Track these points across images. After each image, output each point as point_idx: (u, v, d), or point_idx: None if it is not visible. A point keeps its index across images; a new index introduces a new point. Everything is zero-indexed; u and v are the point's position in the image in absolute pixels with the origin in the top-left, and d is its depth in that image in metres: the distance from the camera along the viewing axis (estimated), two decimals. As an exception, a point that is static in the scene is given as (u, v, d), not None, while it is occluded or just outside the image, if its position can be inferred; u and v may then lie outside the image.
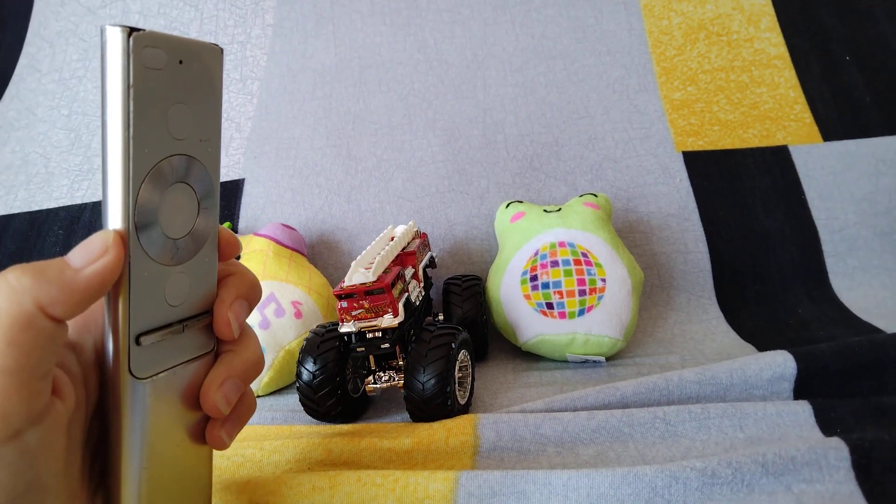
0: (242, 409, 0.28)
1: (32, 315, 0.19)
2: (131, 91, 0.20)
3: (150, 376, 0.24)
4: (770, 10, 0.77)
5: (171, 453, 0.25)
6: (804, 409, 0.38)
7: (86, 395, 0.23)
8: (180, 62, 0.22)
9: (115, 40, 0.20)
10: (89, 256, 0.21)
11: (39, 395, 0.20)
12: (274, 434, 0.43)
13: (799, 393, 0.41)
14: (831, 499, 0.30)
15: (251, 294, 0.28)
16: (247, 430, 0.44)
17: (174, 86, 0.22)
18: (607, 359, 0.53)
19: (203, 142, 0.24)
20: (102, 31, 0.20)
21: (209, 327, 0.26)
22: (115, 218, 0.22)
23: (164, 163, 0.22)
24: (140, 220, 0.22)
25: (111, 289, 0.22)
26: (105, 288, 0.21)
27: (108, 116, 0.21)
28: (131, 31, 0.20)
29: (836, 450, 0.32)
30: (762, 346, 0.52)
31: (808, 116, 0.71)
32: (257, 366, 0.28)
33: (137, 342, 0.23)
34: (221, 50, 0.24)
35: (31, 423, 0.20)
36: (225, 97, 0.78)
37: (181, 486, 0.26)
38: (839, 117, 0.70)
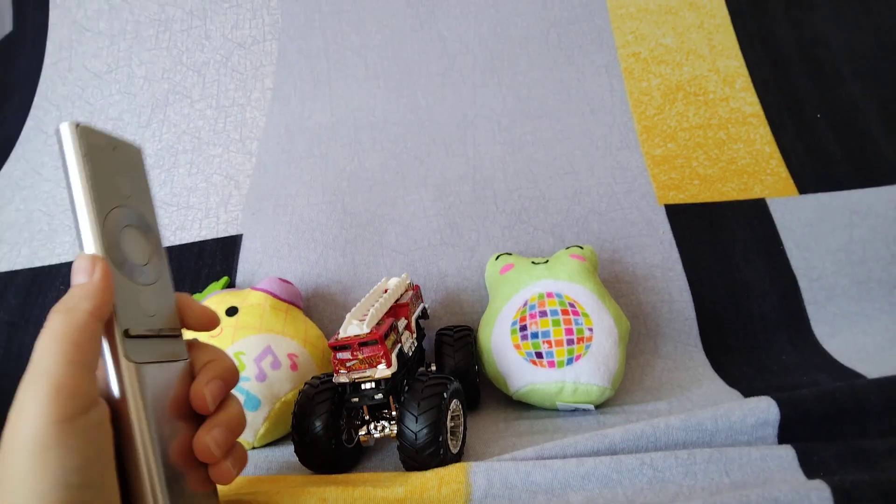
0: (239, 451, 0.34)
1: (87, 321, 0.28)
2: (87, 157, 0.30)
3: (142, 362, 0.30)
4: (744, 71, 0.82)
5: (174, 448, 0.31)
6: (788, 453, 0.39)
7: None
8: (113, 148, 0.33)
9: (69, 130, 0.30)
10: (87, 270, 0.29)
11: (93, 384, 0.28)
12: (269, 483, 0.44)
13: (783, 438, 0.42)
14: (814, 539, 0.31)
15: (227, 375, 0.34)
16: (241, 480, 0.45)
17: (113, 161, 0.32)
18: (596, 406, 0.54)
19: (143, 203, 0.34)
20: (58, 130, 0.30)
21: (180, 341, 0.34)
22: (89, 243, 0.30)
23: (118, 209, 0.32)
24: (108, 244, 0.31)
25: None
26: (111, 284, 0.30)
27: (72, 178, 0.30)
28: (78, 124, 0.30)
29: (819, 490, 0.33)
30: (747, 393, 0.53)
31: (783, 171, 0.74)
32: (234, 372, 0.35)
33: (127, 334, 0.31)
34: (140, 149, 0.35)
35: (92, 404, 0.27)
36: (225, 156, 0.81)
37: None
38: (813, 171, 0.74)
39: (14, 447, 0.26)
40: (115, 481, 0.29)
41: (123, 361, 0.30)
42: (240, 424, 0.34)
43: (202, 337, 0.46)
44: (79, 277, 0.29)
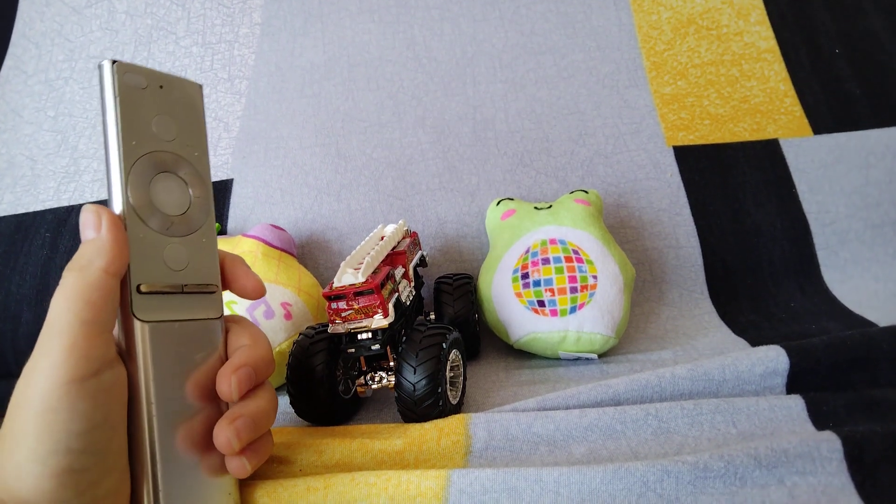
0: (261, 444, 0.33)
1: (100, 278, 0.27)
2: (118, 100, 0.29)
3: (151, 321, 0.29)
4: (759, 3, 0.77)
5: (184, 418, 0.30)
6: (797, 403, 0.38)
7: None
8: (161, 87, 0.31)
9: (106, 68, 0.29)
10: (94, 224, 0.28)
11: (109, 345, 0.27)
12: (264, 436, 0.43)
13: (791, 387, 0.41)
14: (823, 491, 0.30)
15: (260, 364, 0.32)
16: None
17: (156, 102, 0.30)
18: (600, 356, 0.53)
19: (190, 147, 0.32)
20: (99, 67, 0.29)
21: (212, 298, 0.32)
22: (115, 191, 0.29)
23: (153, 154, 0.30)
24: (133, 193, 0.29)
25: None
26: (124, 237, 0.28)
27: (106, 119, 0.29)
28: (115, 61, 0.29)
29: (829, 441, 0.32)
30: (755, 341, 0.52)
31: (798, 109, 0.71)
32: (268, 362, 0.33)
33: (139, 290, 0.29)
34: (201, 86, 0.33)
35: (105, 366, 0.27)
36: (213, 96, 0.77)
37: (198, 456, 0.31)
38: (829, 110, 0.70)
39: (22, 405, 0.25)
40: (124, 447, 0.28)
41: (133, 319, 0.29)
42: (267, 419, 0.33)
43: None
44: (87, 232, 0.28)
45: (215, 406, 0.32)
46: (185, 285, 0.31)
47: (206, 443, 0.31)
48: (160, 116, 0.30)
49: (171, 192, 0.31)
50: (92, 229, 0.28)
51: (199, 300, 0.31)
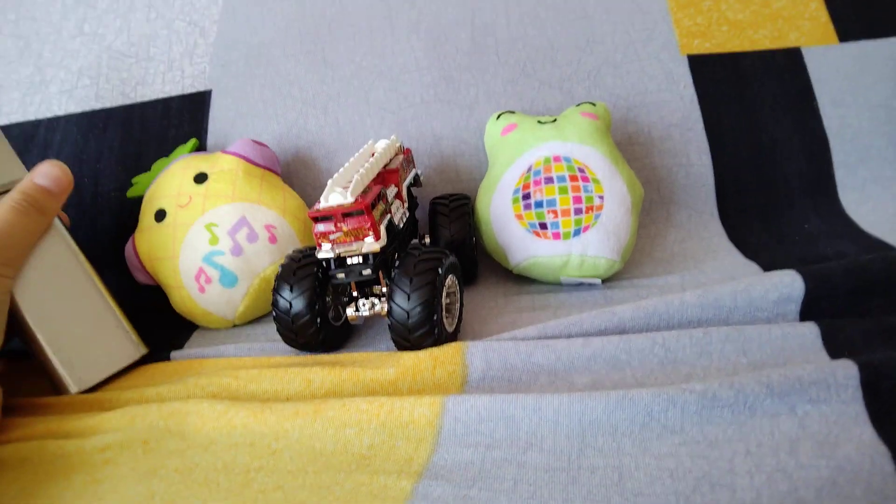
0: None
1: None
2: None
3: None
4: None
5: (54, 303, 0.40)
6: (811, 330, 0.36)
7: None
8: None
9: None
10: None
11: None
12: (251, 365, 0.41)
13: (805, 314, 0.39)
14: (835, 422, 0.29)
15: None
16: (221, 362, 0.42)
17: None
18: (603, 281, 0.51)
19: None
20: None
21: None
22: None
23: None
24: None
25: None
26: None
27: None
28: None
29: (845, 368, 0.30)
30: (766, 265, 0.50)
31: (823, 15, 0.65)
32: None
33: None
34: None
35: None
36: (186, -2, 0.71)
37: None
38: (857, 15, 0.65)
39: None
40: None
41: None
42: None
43: (172, 209, 0.51)
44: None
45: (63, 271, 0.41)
46: None
47: (74, 309, 0.41)
48: None
49: None
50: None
51: None
